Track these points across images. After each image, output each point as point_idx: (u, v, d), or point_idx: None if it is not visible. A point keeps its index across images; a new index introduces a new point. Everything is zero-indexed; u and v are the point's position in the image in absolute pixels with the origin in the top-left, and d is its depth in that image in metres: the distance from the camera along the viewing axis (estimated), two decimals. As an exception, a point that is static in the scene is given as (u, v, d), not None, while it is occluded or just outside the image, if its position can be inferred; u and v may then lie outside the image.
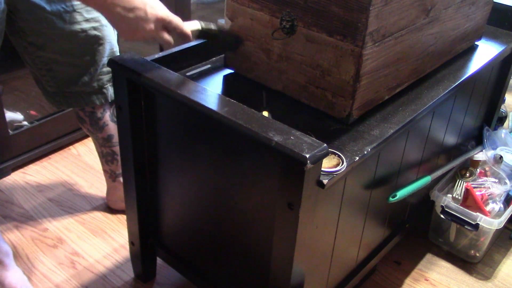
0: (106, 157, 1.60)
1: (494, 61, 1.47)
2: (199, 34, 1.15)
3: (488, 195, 1.56)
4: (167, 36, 1.06)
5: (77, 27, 1.31)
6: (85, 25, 1.32)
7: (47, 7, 1.27)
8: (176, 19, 1.06)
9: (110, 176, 1.64)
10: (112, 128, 1.53)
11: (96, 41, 1.36)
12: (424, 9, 1.15)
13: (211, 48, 1.31)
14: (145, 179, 1.27)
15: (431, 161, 1.47)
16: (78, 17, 1.31)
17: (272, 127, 0.92)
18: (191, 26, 1.12)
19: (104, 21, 1.36)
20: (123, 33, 1.03)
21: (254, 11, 1.14)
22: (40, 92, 1.45)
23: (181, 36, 1.09)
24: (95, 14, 1.33)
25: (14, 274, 1.38)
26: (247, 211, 1.07)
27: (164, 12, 1.03)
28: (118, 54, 1.43)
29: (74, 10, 1.29)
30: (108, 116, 1.52)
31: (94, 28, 1.34)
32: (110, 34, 1.40)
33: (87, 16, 1.32)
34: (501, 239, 1.69)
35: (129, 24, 1.00)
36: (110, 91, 1.45)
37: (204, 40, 1.25)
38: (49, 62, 1.35)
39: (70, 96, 1.42)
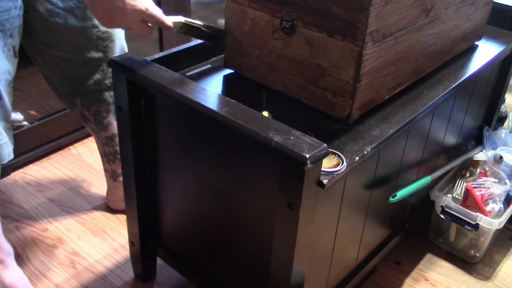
0: (108, 156, 1.60)
1: (494, 61, 1.47)
2: (183, 27, 1.17)
3: (488, 195, 1.56)
4: (144, 29, 1.07)
5: (89, 23, 1.32)
6: (96, 21, 1.32)
7: (60, 3, 1.28)
8: (156, 13, 1.06)
9: (111, 175, 1.64)
10: (116, 127, 1.53)
11: (108, 38, 1.37)
12: (424, 9, 1.15)
13: (208, 46, 1.31)
14: (145, 179, 1.27)
15: (431, 161, 1.47)
16: (89, 13, 1.31)
17: (272, 127, 0.92)
18: (173, 19, 1.13)
19: None
20: (101, 20, 1.05)
21: (254, 11, 1.14)
22: (40, 92, 1.45)
23: (162, 28, 1.10)
24: None
25: (15, 273, 1.38)
26: (247, 211, 1.07)
27: (143, 5, 1.03)
28: (127, 51, 1.44)
29: (86, 6, 1.30)
30: (112, 115, 1.52)
31: None
32: (120, 31, 1.41)
33: None
34: (501, 239, 1.69)
35: (107, 12, 1.02)
36: None
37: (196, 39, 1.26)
38: (62, 61, 1.36)
39: (83, 95, 1.43)
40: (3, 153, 1.24)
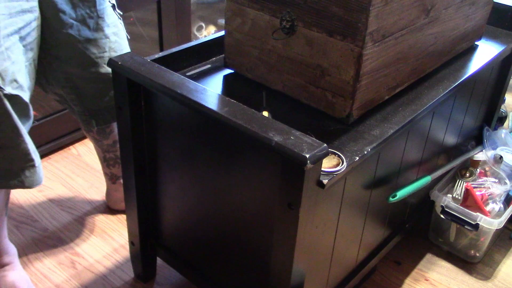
0: (108, 161, 1.59)
1: (494, 61, 1.48)
2: None
3: (488, 195, 1.56)
4: None
5: (101, 33, 1.30)
6: (107, 31, 1.31)
7: (72, 13, 1.25)
8: None
9: (111, 178, 1.64)
10: (117, 133, 1.52)
11: (118, 47, 1.35)
12: (424, 9, 1.15)
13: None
14: (145, 179, 1.27)
15: (431, 161, 1.47)
16: (101, 23, 1.30)
17: (272, 127, 0.92)
18: None
19: (120, 25, 1.36)
20: None
21: (254, 11, 1.14)
22: (41, 92, 1.44)
23: None
24: (113, 19, 1.32)
25: (18, 273, 1.38)
26: (247, 211, 1.07)
27: None
28: None
29: (98, 16, 1.29)
30: (114, 124, 1.51)
31: (114, 34, 1.33)
32: (126, 40, 1.39)
33: (108, 21, 1.31)
34: (501, 239, 1.69)
35: None
36: None
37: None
38: (74, 78, 1.33)
39: (97, 113, 1.41)
40: (40, 176, 1.23)
